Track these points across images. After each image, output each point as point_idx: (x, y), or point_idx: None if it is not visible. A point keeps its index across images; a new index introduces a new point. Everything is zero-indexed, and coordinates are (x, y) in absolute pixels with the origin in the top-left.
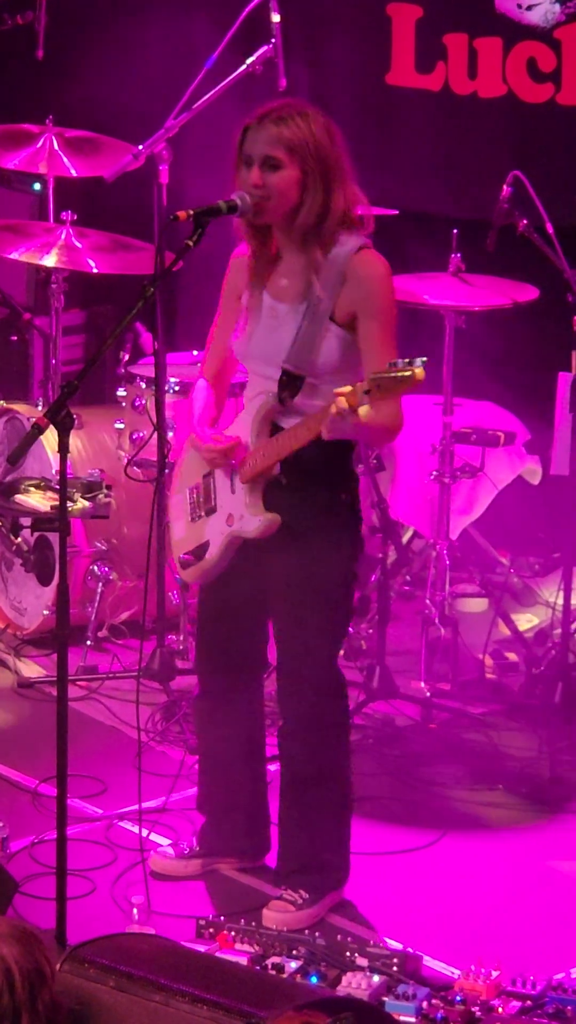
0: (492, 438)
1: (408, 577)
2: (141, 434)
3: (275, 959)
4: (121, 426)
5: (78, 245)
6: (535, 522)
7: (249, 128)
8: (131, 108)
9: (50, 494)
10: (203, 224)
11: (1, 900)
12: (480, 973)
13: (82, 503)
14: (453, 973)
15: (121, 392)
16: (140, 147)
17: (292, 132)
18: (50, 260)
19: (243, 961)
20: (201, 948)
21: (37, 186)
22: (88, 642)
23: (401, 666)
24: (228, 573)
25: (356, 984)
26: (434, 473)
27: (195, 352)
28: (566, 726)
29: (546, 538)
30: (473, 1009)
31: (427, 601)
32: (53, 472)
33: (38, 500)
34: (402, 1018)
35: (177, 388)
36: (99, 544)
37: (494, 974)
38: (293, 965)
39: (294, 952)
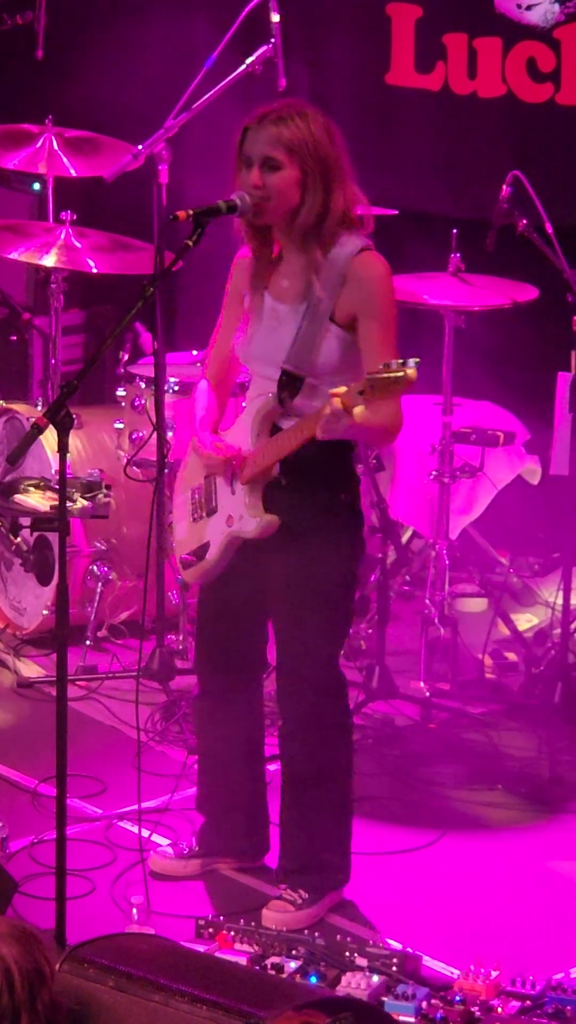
0: (492, 438)
1: (408, 577)
2: (140, 434)
3: (274, 959)
4: (120, 426)
5: (78, 245)
6: (534, 522)
7: (249, 129)
8: (131, 108)
9: (49, 494)
10: (203, 224)
11: (0, 900)
12: (479, 973)
13: (81, 503)
14: (452, 973)
15: (120, 392)
16: (140, 147)
17: (291, 132)
18: (49, 260)
19: (242, 961)
20: (200, 948)
21: (37, 186)
22: (87, 642)
23: (400, 666)
24: (228, 573)
25: (355, 984)
26: (434, 473)
27: (194, 352)
28: (565, 726)
29: (545, 538)
30: (472, 1009)
31: (427, 601)
32: (52, 472)
33: (37, 500)
34: (401, 1018)
35: (177, 388)
36: (98, 544)
37: (493, 974)
38: (292, 965)
39: (293, 952)
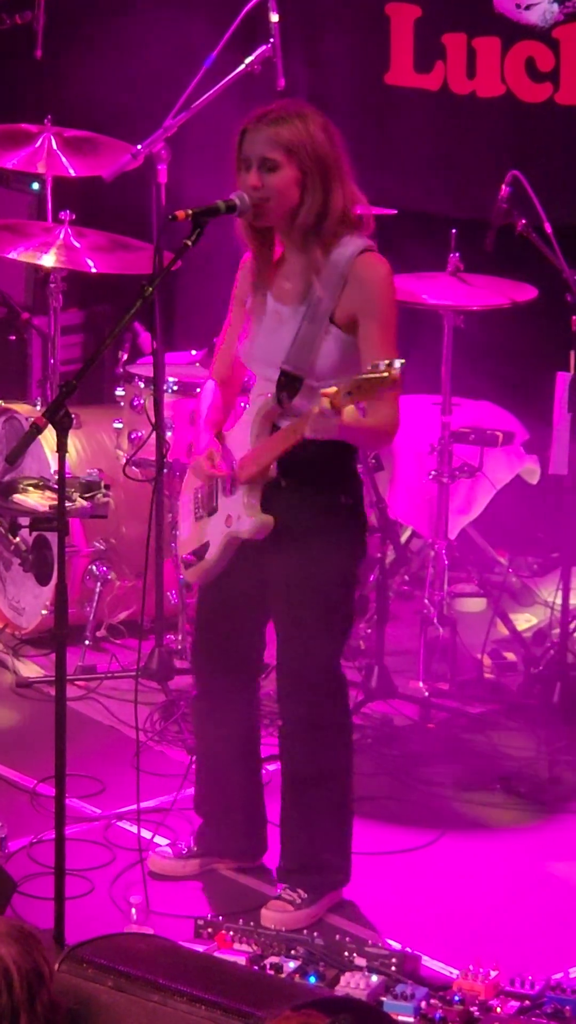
0: (491, 438)
1: (407, 577)
2: (139, 434)
3: (273, 959)
4: (119, 426)
5: (77, 245)
6: (534, 522)
7: (247, 130)
8: (130, 108)
9: (48, 494)
10: (202, 224)
11: None
12: (478, 973)
13: (80, 503)
14: (451, 973)
15: (119, 392)
16: (139, 147)
17: (289, 133)
18: (49, 260)
19: (241, 961)
20: (199, 948)
21: (36, 186)
22: (86, 642)
23: (399, 666)
24: (228, 574)
25: (354, 984)
26: (433, 473)
27: (193, 352)
28: (564, 726)
29: (545, 538)
30: (471, 1009)
31: (425, 601)
32: (51, 472)
33: (36, 500)
34: (400, 1018)
35: (176, 388)
36: (97, 544)
37: (492, 974)
38: (291, 965)
39: (292, 952)
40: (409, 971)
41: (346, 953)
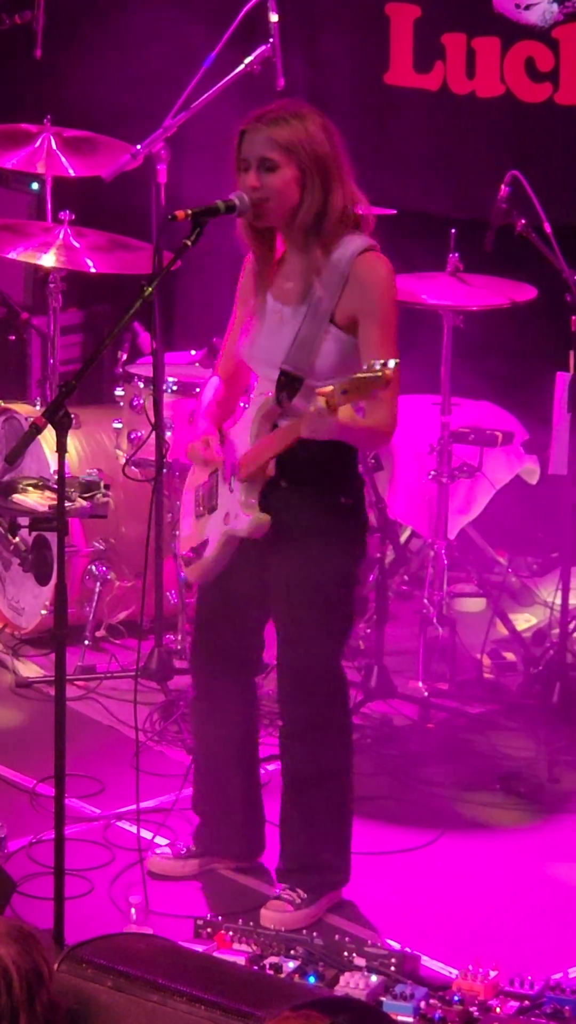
0: (490, 438)
1: (406, 577)
2: (139, 434)
3: (273, 959)
4: (119, 426)
5: (76, 245)
6: (533, 522)
7: (245, 132)
8: (129, 108)
9: (48, 493)
10: (201, 224)
11: None
12: (478, 973)
13: (80, 502)
14: (451, 973)
15: (119, 392)
16: (138, 147)
17: (287, 133)
18: (48, 260)
19: (241, 961)
20: (199, 948)
21: (35, 185)
22: (86, 642)
23: (399, 666)
24: (228, 574)
25: (354, 984)
26: (432, 473)
27: (192, 352)
28: (564, 726)
29: (544, 538)
30: (471, 1009)
31: (425, 601)
32: (51, 472)
33: (36, 499)
34: (400, 1018)
35: (175, 388)
36: (97, 544)
37: (492, 974)
38: (291, 965)
39: (292, 952)
40: (408, 971)
41: (345, 953)
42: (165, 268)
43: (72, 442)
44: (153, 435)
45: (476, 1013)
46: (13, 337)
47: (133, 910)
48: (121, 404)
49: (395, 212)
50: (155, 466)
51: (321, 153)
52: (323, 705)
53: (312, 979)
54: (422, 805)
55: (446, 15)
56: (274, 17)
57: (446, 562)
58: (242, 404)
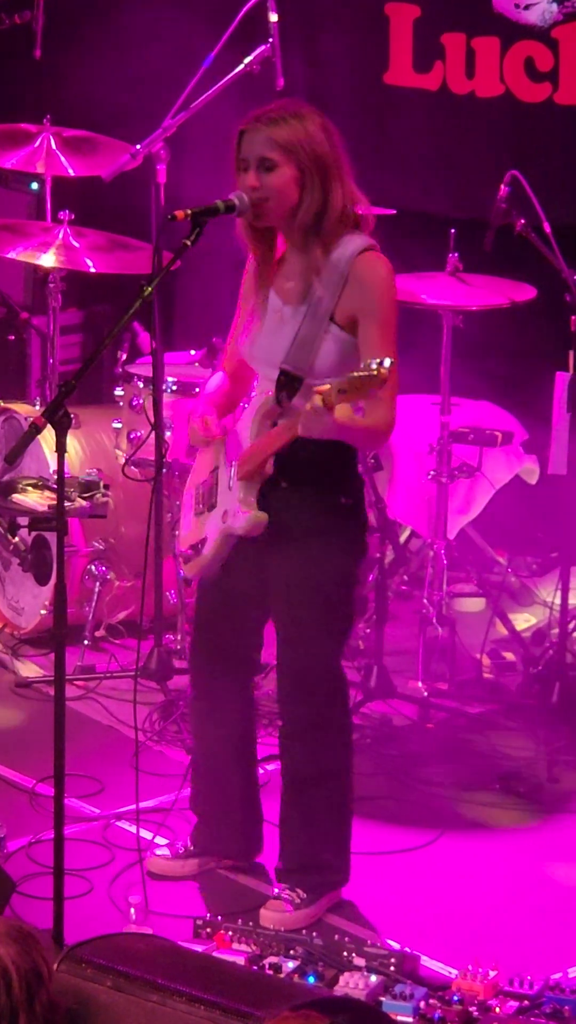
0: (490, 438)
1: (406, 577)
2: (139, 433)
3: (272, 959)
4: (119, 425)
5: (76, 244)
6: (533, 522)
7: (244, 132)
8: (129, 107)
9: (47, 493)
10: (201, 224)
11: None
12: (477, 973)
13: (80, 502)
14: (450, 973)
15: (119, 392)
16: (138, 146)
17: (286, 132)
18: (48, 259)
19: (240, 961)
20: (198, 948)
21: (35, 185)
22: (85, 642)
23: (399, 666)
24: (228, 573)
25: (353, 984)
26: (432, 473)
27: (192, 352)
28: (563, 726)
29: (544, 538)
30: (470, 1009)
31: (425, 601)
32: (50, 471)
33: (36, 499)
34: (399, 1018)
35: (175, 387)
36: (97, 543)
37: (491, 974)
38: (290, 965)
39: (291, 952)
40: (408, 971)
41: (345, 953)
42: (165, 268)
43: (72, 442)
44: (152, 435)
45: (476, 1013)
46: (13, 337)
47: (132, 910)
48: (121, 404)
49: (395, 212)
50: (155, 466)
51: (320, 153)
52: (323, 705)
53: (312, 979)
54: (422, 805)
55: (446, 15)
56: (274, 17)
57: (446, 562)
58: (243, 404)
